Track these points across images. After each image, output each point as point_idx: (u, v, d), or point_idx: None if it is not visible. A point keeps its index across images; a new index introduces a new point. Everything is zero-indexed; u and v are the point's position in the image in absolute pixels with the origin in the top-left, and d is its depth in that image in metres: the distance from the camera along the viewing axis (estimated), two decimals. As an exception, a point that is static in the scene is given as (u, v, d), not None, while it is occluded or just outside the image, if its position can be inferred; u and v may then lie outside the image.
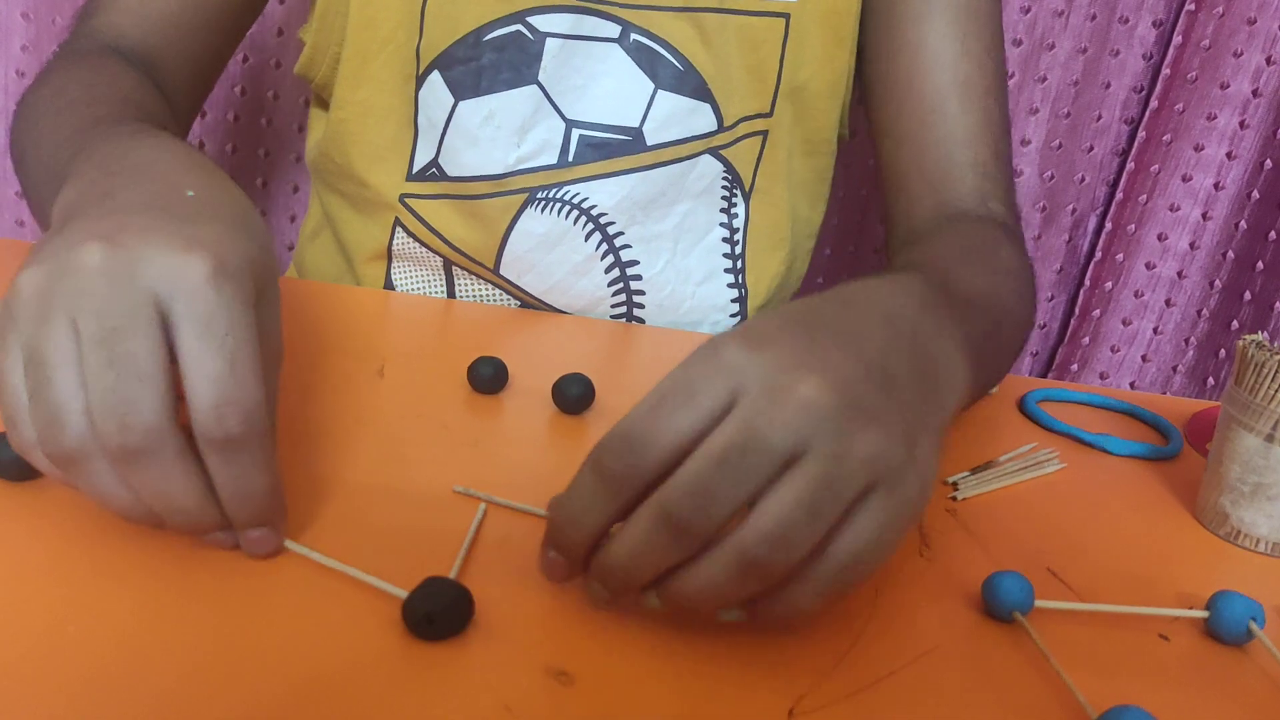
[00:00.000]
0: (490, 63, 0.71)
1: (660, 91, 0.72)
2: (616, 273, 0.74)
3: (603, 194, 0.73)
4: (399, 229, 0.76)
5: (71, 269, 0.38)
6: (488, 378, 0.58)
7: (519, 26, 0.70)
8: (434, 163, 0.73)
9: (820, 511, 0.36)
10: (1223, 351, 1.05)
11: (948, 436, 0.44)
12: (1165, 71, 0.97)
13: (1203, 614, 0.46)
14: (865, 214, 1.10)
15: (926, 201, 0.72)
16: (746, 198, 0.77)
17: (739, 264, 0.78)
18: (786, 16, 0.72)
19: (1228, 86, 0.97)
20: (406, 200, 0.74)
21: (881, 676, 0.41)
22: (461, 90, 0.71)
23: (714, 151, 0.74)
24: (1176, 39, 0.96)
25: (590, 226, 0.73)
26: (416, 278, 0.78)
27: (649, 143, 0.72)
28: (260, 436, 0.39)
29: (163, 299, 0.38)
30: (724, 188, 0.76)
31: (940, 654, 0.42)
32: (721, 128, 0.74)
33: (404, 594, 0.40)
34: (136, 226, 0.39)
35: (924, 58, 0.72)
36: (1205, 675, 0.44)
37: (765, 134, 0.76)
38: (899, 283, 0.46)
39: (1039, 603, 0.45)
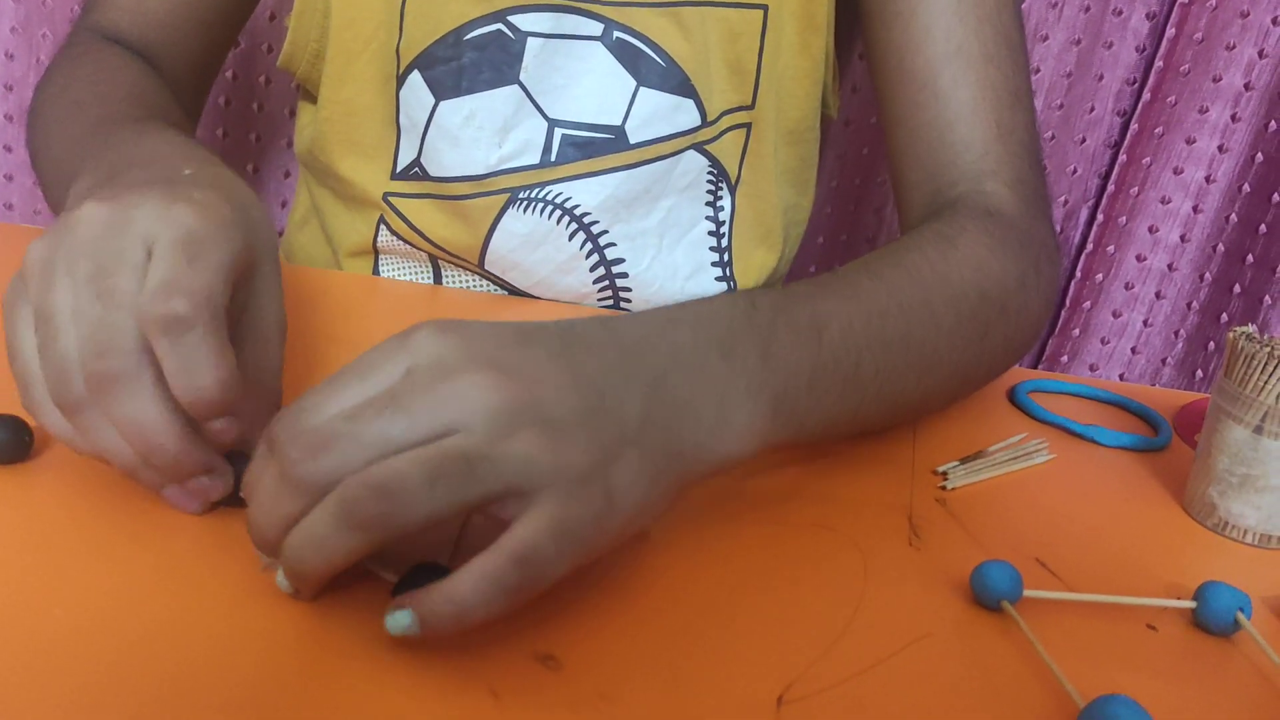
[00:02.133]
0: (471, 62, 0.70)
1: (642, 89, 0.71)
2: (601, 270, 0.74)
3: (586, 193, 0.72)
4: (383, 226, 0.75)
5: (71, 229, 0.42)
6: None
7: (499, 26, 0.70)
8: (416, 162, 0.73)
9: (441, 476, 0.35)
10: (1212, 344, 1.06)
11: (705, 482, 0.43)
12: (1158, 64, 0.97)
13: (1190, 604, 0.46)
14: (859, 203, 1.10)
15: (922, 190, 0.68)
16: (732, 190, 0.77)
17: (726, 257, 0.78)
18: (764, 8, 0.72)
19: (1220, 79, 0.97)
20: (390, 199, 0.74)
21: (870, 664, 0.41)
22: (442, 90, 0.71)
23: (698, 147, 0.74)
24: (1169, 31, 0.96)
25: (574, 226, 0.72)
26: (404, 270, 0.78)
27: (632, 141, 0.72)
28: (210, 324, 0.40)
29: (149, 241, 0.41)
30: (709, 181, 0.75)
31: (929, 642, 0.43)
32: (705, 123, 0.73)
33: (394, 579, 0.40)
34: (133, 191, 0.43)
35: (915, 30, 0.67)
36: (1192, 665, 0.44)
37: (749, 126, 0.75)
38: (706, 310, 0.45)
39: (1027, 592, 0.45)
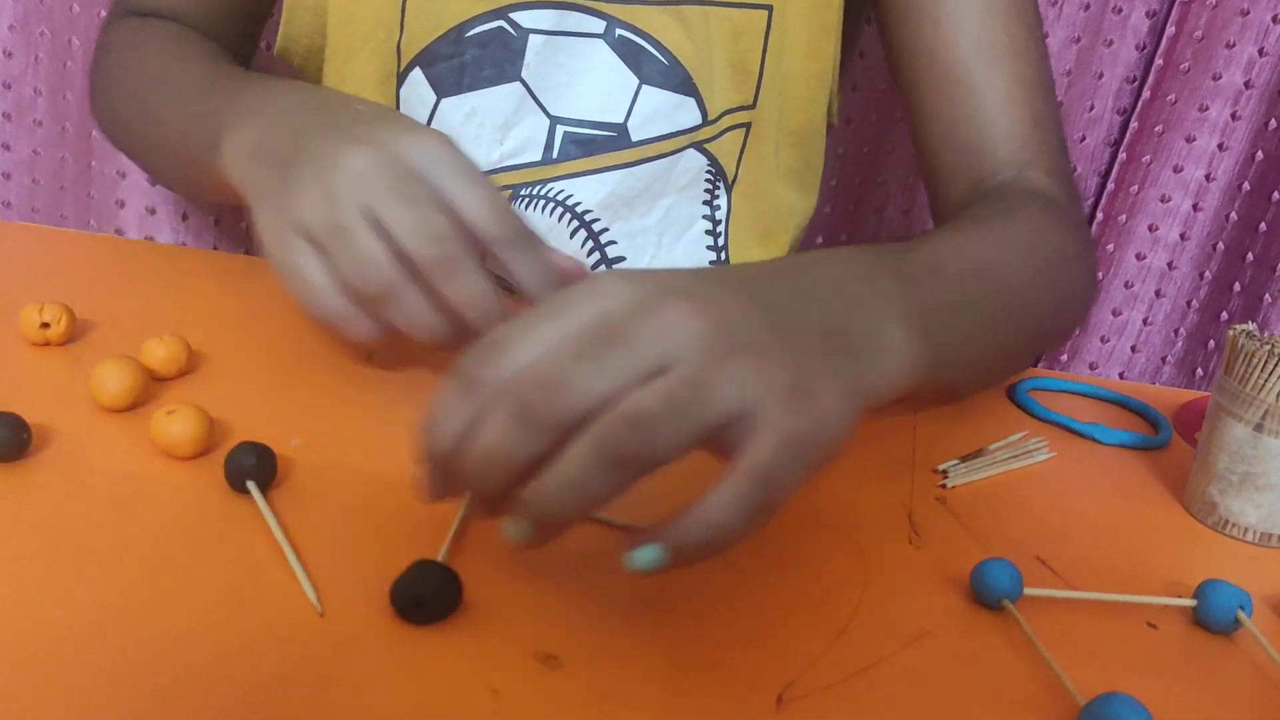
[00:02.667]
0: (473, 59, 0.70)
1: (645, 87, 0.71)
2: (602, 269, 0.74)
3: (587, 191, 0.72)
4: None
5: (344, 170, 0.48)
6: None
7: (501, 23, 0.70)
8: None
9: (682, 404, 0.35)
10: (1212, 343, 1.06)
11: (876, 411, 0.42)
12: (1158, 62, 0.97)
13: (1191, 603, 0.46)
14: (859, 203, 1.10)
15: (961, 179, 0.70)
16: (729, 189, 0.77)
17: (722, 255, 0.78)
18: (769, 9, 0.71)
19: (1220, 78, 0.97)
20: None
21: (871, 663, 0.41)
22: (444, 88, 0.71)
23: (697, 146, 0.74)
24: (1169, 29, 0.96)
25: (575, 224, 0.72)
26: None
27: (634, 139, 0.72)
28: (534, 232, 0.51)
29: (422, 169, 0.49)
30: (707, 180, 0.75)
31: (929, 641, 0.42)
32: (705, 121, 0.73)
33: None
34: (366, 130, 0.50)
35: (945, 30, 0.69)
36: (1193, 663, 0.44)
37: (749, 126, 0.75)
38: (836, 253, 0.47)
39: (1028, 590, 0.45)
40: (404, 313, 0.49)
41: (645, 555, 0.36)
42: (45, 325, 0.55)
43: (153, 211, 1.09)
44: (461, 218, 0.49)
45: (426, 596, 0.39)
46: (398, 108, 0.72)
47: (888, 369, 0.43)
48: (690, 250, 0.77)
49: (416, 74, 0.71)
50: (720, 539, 0.35)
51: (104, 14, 1.01)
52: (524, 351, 0.37)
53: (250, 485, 0.44)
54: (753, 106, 0.74)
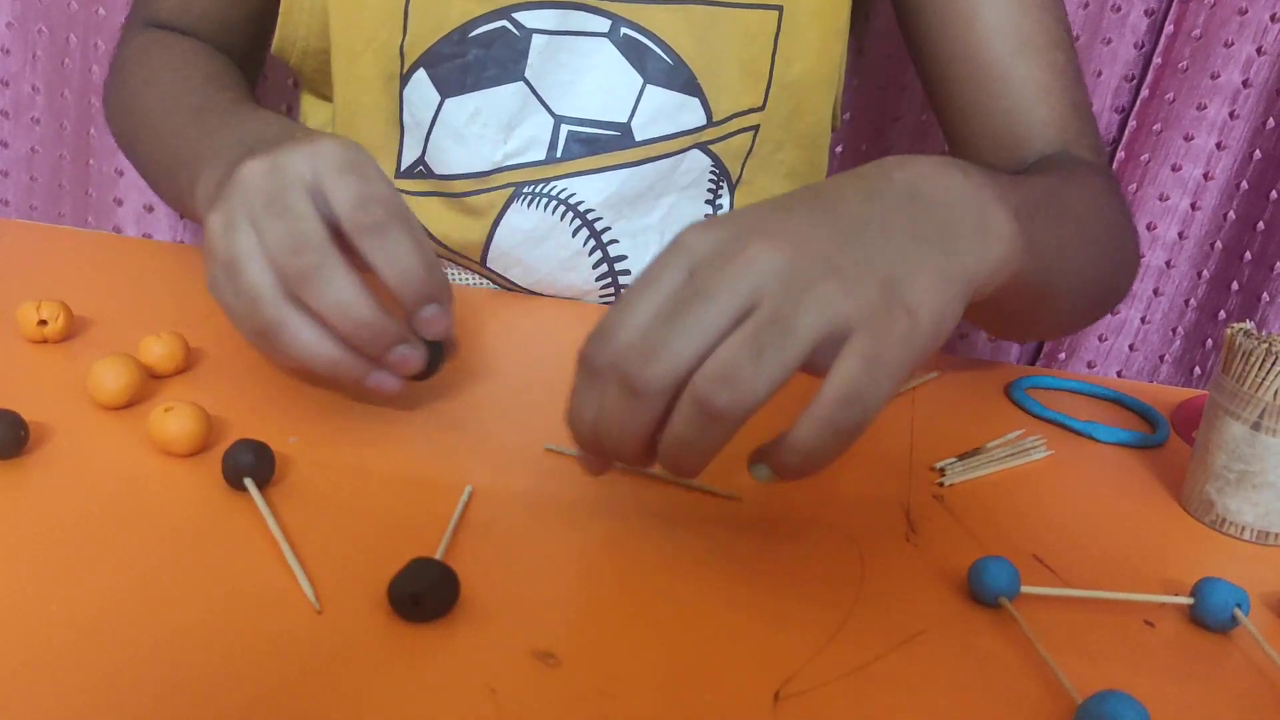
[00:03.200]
0: (476, 59, 0.70)
1: (649, 86, 0.71)
2: (605, 268, 0.74)
3: (590, 190, 0.72)
4: None
5: (235, 186, 0.47)
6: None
7: (504, 22, 0.70)
8: (420, 160, 0.73)
9: (765, 347, 0.37)
10: (1210, 341, 1.06)
11: (976, 301, 0.44)
12: (1156, 60, 0.97)
13: (1188, 601, 0.46)
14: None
15: (1004, 162, 0.71)
16: (732, 189, 0.77)
17: None
18: (779, 9, 0.71)
19: (1218, 76, 0.97)
20: None
21: (868, 660, 0.41)
22: (447, 88, 0.71)
23: (702, 146, 0.74)
24: (1168, 28, 0.96)
25: (577, 223, 0.72)
26: None
27: (638, 138, 0.72)
28: (405, 222, 0.48)
29: (309, 177, 0.47)
30: (711, 181, 0.75)
31: (927, 639, 0.42)
32: (710, 122, 0.73)
33: (390, 574, 0.40)
34: (270, 145, 0.49)
35: (980, 28, 0.69)
36: (1190, 661, 0.44)
37: (757, 128, 0.75)
38: (919, 157, 0.47)
39: (1025, 588, 0.45)
40: (292, 345, 0.47)
41: (760, 473, 0.41)
42: (43, 323, 0.55)
43: (150, 209, 1.09)
44: (329, 214, 0.47)
45: (424, 594, 0.39)
46: (401, 109, 0.72)
47: (991, 249, 0.44)
48: None
49: (420, 74, 0.71)
50: (813, 462, 0.39)
51: (102, 11, 1.01)
52: (625, 326, 0.40)
53: (248, 483, 0.44)
54: (762, 109, 0.74)
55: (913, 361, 0.39)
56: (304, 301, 0.46)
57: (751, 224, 0.41)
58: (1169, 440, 0.64)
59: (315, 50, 0.74)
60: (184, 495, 0.45)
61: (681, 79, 0.71)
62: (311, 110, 0.80)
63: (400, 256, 0.47)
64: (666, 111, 0.72)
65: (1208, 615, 0.45)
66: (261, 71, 0.84)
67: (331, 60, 0.73)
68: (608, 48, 0.70)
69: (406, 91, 0.71)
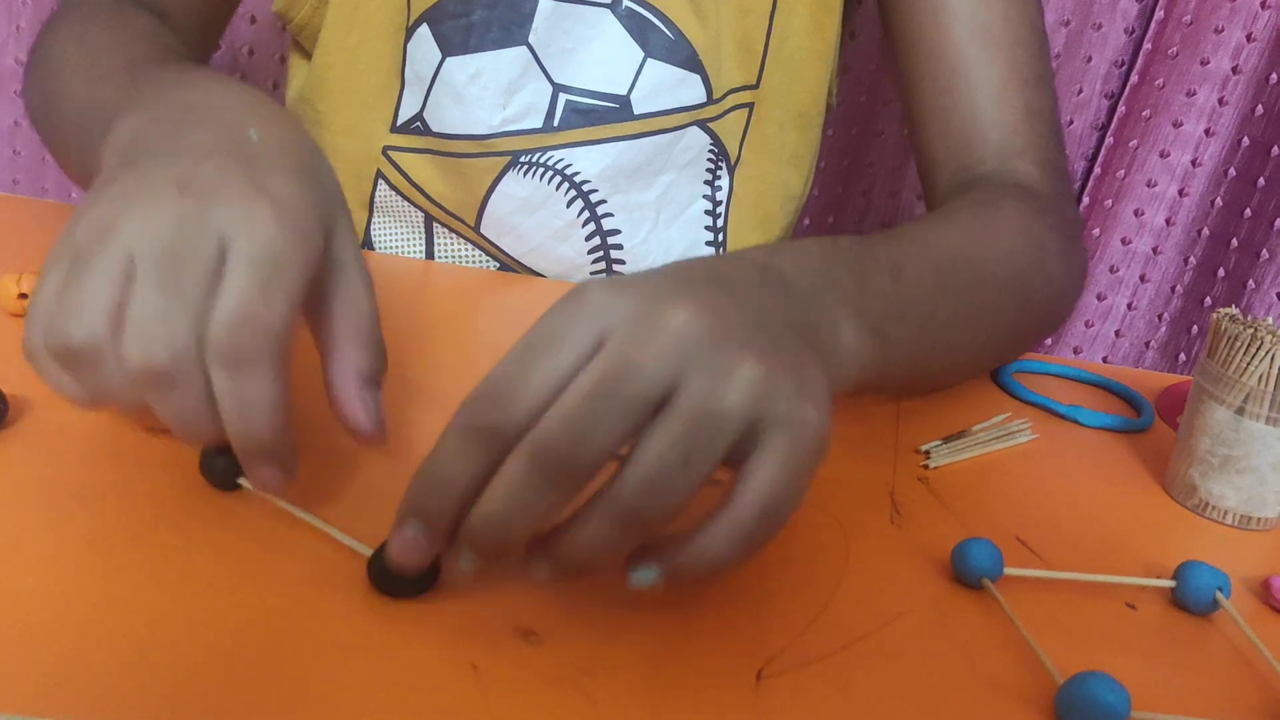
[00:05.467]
0: (481, 20, 0.69)
1: (650, 60, 0.71)
2: (597, 240, 0.74)
3: (587, 161, 0.72)
4: (381, 181, 0.75)
5: (143, 207, 0.37)
6: None
7: None
8: (419, 116, 0.72)
9: (696, 453, 0.34)
10: (1195, 328, 1.06)
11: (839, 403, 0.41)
12: (1146, 46, 0.97)
13: (1170, 583, 0.46)
14: (846, 185, 1.10)
15: (949, 168, 0.69)
16: (731, 170, 0.76)
17: (720, 237, 0.78)
18: None
19: (1208, 63, 0.97)
20: (389, 153, 0.73)
21: (851, 641, 0.41)
22: (450, 46, 0.70)
23: (701, 124, 0.73)
24: (1158, 14, 0.96)
25: (572, 193, 0.72)
26: (395, 234, 0.77)
27: (636, 111, 0.71)
28: (273, 363, 0.37)
29: (225, 243, 0.37)
30: (709, 160, 0.75)
31: (910, 619, 0.43)
32: (710, 100, 0.73)
33: (369, 551, 0.39)
34: (208, 174, 0.39)
35: (942, 16, 0.68)
36: (1171, 644, 0.44)
37: (751, 106, 0.75)
38: (790, 245, 0.46)
39: (1008, 570, 0.45)
40: (93, 387, 0.38)
41: (643, 576, 0.36)
42: (23, 296, 0.54)
43: (135, 185, 1.08)
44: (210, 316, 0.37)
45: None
46: (404, 62, 0.71)
47: (844, 365, 0.43)
48: (686, 230, 0.76)
49: (424, 30, 0.70)
50: (717, 573, 0.35)
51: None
52: (529, 389, 0.35)
53: (243, 482, 0.43)
54: (756, 86, 0.74)
55: (812, 472, 0.36)
56: (137, 389, 0.37)
57: (660, 289, 0.36)
58: (1153, 425, 0.64)
59: (321, 4, 0.72)
60: (164, 472, 0.45)
61: (682, 55, 0.71)
62: (300, 73, 0.78)
63: (250, 405, 0.37)
64: (666, 86, 0.71)
65: (1189, 598, 0.46)
66: (213, 51, 0.80)
67: (332, 5, 0.71)
68: (609, 19, 0.70)
69: (409, 45, 0.71)
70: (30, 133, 1.07)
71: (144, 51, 0.58)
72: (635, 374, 0.34)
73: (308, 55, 0.76)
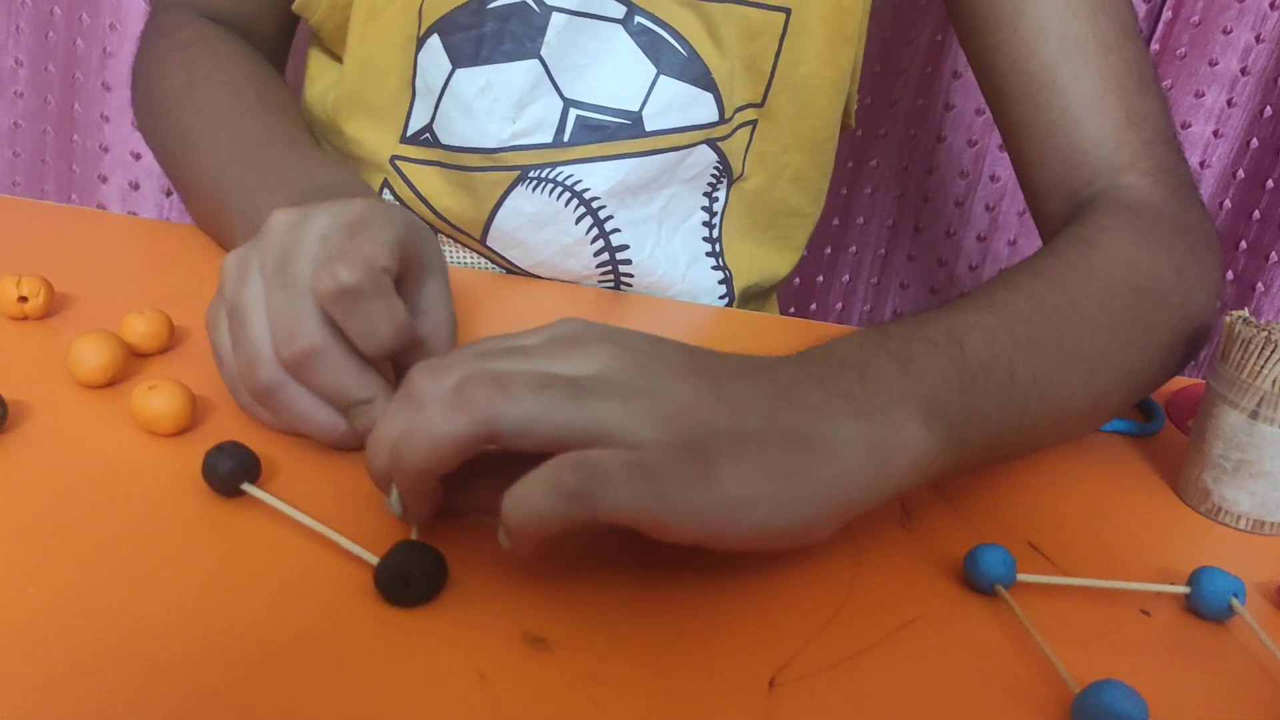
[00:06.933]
0: (492, 32, 0.69)
1: (662, 77, 0.70)
2: (605, 256, 0.73)
3: (597, 177, 0.71)
4: (386, 190, 0.74)
5: (262, 235, 0.47)
6: None
7: None
8: (428, 128, 0.72)
9: (548, 389, 0.36)
10: (1203, 331, 1.05)
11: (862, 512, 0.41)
12: (1155, 47, 0.96)
13: (1184, 590, 0.46)
14: (851, 187, 1.10)
15: (1056, 195, 0.65)
16: (730, 184, 0.76)
17: (717, 247, 0.77)
18: (787, 11, 0.70)
19: (1216, 64, 0.96)
20: (397, 162, 0.73)
21: (863, 647, 0.40)
22: (460, 58, 0.69)
23: (711, 142, 0.73)
24: (1166, 14, 0.95)
25: (581, 209, 0.71)
26: None
27: (648, 128, 0.71)
28: (374, 286, 0.44)
29: (323, 232, 0.46)
30: (713, 175, 0.75)
31: (922, 625, 0.42)
32: (722, 119, 0.72)
33: (375, 558, 0.39)
34: (317, 200, 0.48)
35: (1025, 30, 0.65)
36: (1186, 650, 0.43)
37: (754, 124, 0.74)
38: (832, 343, 0.45)
39: (1021, 576, 0.45)
40: (291, 412, 0.46)
41: (501, 537, 0.38)
42: (23, 299, 0.54)
43: (136, 187, 1.07)
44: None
45: (413, 577, 0.38)
46: (414, 73, 0.71)
47: (877, 461, 0.41)
48: (688, 241, 0.76)
49: (434, 40, 0.69)
50: (528, 516, 0.35)
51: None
52: (453, 360, 0.39)
53: (247, 487, 0.43)
54: (761, 105, 0.73)
55: (681, 508, 0.36)
56: (300, 381, 0.45)
57: (617, 334, 0.40)
58: (1164, 429, 0.64)
59: (341, 6, 0.72)
60: (166, 476, 0.44)
61: (695, 73, 0.70)
62: (319, 71, 0.78)
63: (369, 324, 0.45)
64: (678, 104, 0.70)
65: (1204, 604, 0.45)
66: (288, 52, 0.82)
67: (351, 15, 0.71)
68: (621, 34, 0.69)
69: (420, 56, 0.70)
70: (30, 135, 1.07)
71: (261, 121, 0.66)
72: (524, 361, 0.39)
73: (327, 53, 0.76)
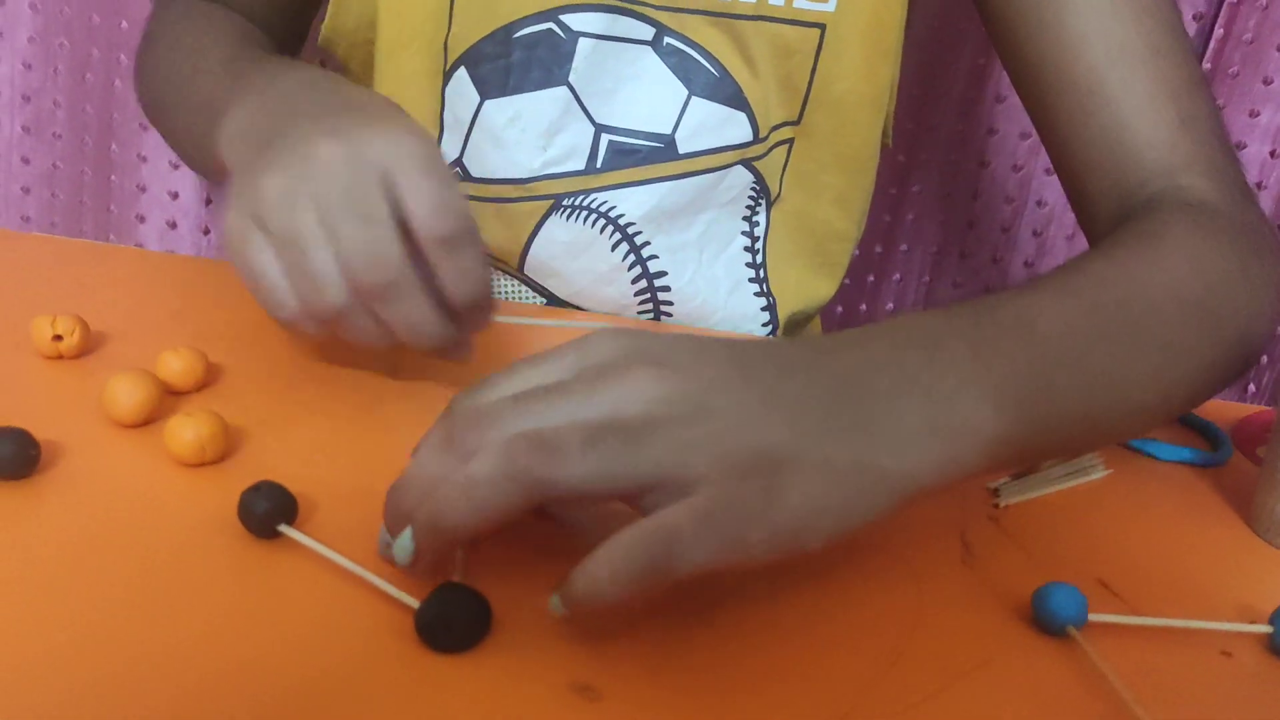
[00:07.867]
0: (520, 61, 0.68)
1: (694, 98, 0.69)
2: (644, 284, 0.72)
3: (631, 203, 0.70)
4: None
5: (312, 163, 0.46)
6: None
7: (551, 24, 0.67)
8: (458, 161, 0.71)
9: (599, 441, 0.35)
10: (1265, 357, 1.02)
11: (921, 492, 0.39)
12: (1207, 65, 0.94)
13: (1266, 629, 0.43)
14: (868, 231, 1.08)
15: (1109, 200, 0.63)
16: (770, 206, 0.74)
17: (761, 273, 0.76)
18: (822, 27, 0.69)
19: (1271, 82, 0.94)
20: None
21: (929, 694, 0.38)
22: (488, 89, 0.69)
23: (746, 163, 0.71)
24: (1218, 32, 0.93)
25: (617, 236, 0.70)
26: None
27: (681, 151, 0.70)
28: (474, 235, 0.47)
29: (388, 168, 0.46)
30: (750, 198, 0.73)
31: (990, 670, 0.40)
32: (756, 139, 0.71)
33: (416, 602, 0.37)
34: (349, 122, 0.47)
35: (1068, 37, 0.62)
36: (1272, 694, 0.41)
37: (791, 142, 0.73)
38: (894, 322, 0.43)
39: (1093, 616, 0.42)
40: (354, 331, 0.48)
41: (554, 605, 0.36)
42: (58, 338, 0.53)
43: (174, 226, 1.08)
44: (406, 218, 0.46)
45: (455, 622, 0.36)
46: (442, 107, 0.70)
47: (940, 446, 0.40)
48: (730, 267, 0.74)
49: (461, 73, 0.69)
50: (597, 593, 0.35)
51: (125, 24, 1.00)
52: (492, 392, 0.39)
53: (284, 529, 0.41)
54: (797, 123, 0.72)
55: (751, 545, 0.35)
56: (376, 314, 0.47)
57: (655, 349, 0.38)
58: (1232, 458, 0.61)
59: (364, 42, 0.72)
60: (201, 516, 0.43)
61: (727, 92, 0.69)
62: None
63: (467, 273, 0.47)
64: (711, 125, 0.69)
65: (1290, 645, 0.42)
66: (299, 53, 0.82)
67: (376, 52, 0.71)
68: (651, 56, 0.68)
69: (448, 90, 0.70)
70: (69, 175, 1.07)
71: (234, 50, 0.66)
72: (565, 400, 0.37)
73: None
